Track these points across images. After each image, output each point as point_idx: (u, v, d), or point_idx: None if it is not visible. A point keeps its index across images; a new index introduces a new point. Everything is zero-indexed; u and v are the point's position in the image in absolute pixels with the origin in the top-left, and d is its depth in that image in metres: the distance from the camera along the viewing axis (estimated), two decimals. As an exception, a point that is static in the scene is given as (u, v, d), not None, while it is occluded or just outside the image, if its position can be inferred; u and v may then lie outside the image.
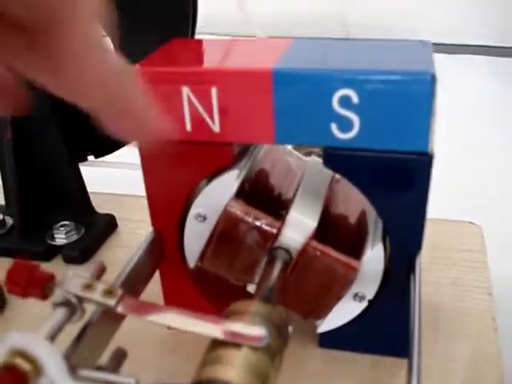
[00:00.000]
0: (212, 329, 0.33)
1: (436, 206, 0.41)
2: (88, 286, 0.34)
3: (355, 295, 0.41)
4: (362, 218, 0.41)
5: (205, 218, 0.41)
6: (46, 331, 0.32)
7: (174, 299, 0.46)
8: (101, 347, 0.36)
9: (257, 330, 0.32)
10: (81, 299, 0.34)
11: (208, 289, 0.45)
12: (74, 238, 0.56)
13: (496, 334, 0.45)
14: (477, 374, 0.42)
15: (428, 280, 0.50)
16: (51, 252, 0.56)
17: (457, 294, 0.49)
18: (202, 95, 0.37)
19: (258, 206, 0.40)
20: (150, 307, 0.34)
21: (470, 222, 0.56)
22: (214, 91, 0.37)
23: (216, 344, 0.32)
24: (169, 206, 0.42)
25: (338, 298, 0.41)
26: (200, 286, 0.45)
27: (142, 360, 0.39)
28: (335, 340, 0.44)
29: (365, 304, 0.42)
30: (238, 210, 0.40)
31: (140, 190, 0.43)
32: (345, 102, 0.35)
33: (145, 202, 0.43)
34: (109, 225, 0.59)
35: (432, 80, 0.34)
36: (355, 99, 0.35)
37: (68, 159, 0.57)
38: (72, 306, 0.33)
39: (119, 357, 0.38)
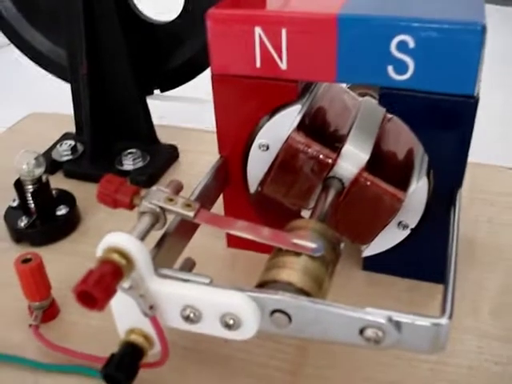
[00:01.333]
0: (279, 239, 0.38)
1: (478, 150, 0.45)
2: (170, 200, 0.39)
3: (399, 223, 0.46)
4: (410, 154, 0.45)
5: (268, 148, 0.46)
6: (137, 232, 0.38)
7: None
8: (177, 252, 0.41)
9: (314, 243, 0.38)
10: (163, 210, 0.39)
11: (266, 213, 0.50)
12: (140, 164, 0.61)
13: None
14: (504, 302, 0.46)
15: (466, 217, 0.54)
16: (120, 176, 0.61)
17: (492, 231, 0.53)
18: (273, 35, 0.41)
19: (317, 139, 0.45)
20: (223, 219, 0.39)
21: (509, 168, 0.60)
22: (283, 32, 0.41)
23: (278, 252, 0.38)
24: (235, 134, 0.46)
25: (384, 225, 0.46)
26: (259, 210, 0.50)
27: (205, 271, 0.44)
28: (378, 264, 0.49)
29: (407, 232, 0.46)
30: (299, 141, 0.44)
31: (201, 123, 0.48)
32: (402, 46, 0.39)
33: (205, 135, 0.47)
34: (171, 154, 0.64)
35: (482, 30, 0.37)
36: (411, 44, 0.39)
37: (136, 92, 0.62)
38: (156, 215, 0.39)
39: (189, 266, 0.44)
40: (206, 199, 0.46)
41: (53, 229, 0.54)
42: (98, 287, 0.33)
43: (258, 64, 0.43)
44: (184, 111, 0.69)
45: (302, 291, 0.35)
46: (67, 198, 0.57)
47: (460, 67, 0.39)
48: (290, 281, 0.36)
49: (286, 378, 0.42)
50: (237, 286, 0.36)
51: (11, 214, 0.55)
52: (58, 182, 0.62)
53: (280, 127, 0.45)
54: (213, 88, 0.45)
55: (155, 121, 0.64)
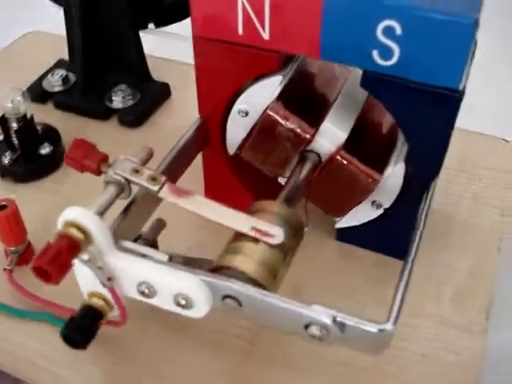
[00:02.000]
0: (239, 223, 0.38)
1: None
2: (136, 171, 0.39)
3: (373, 202, 0.45)
4: (391, 136, 0.44)
5: (247, 114, 0.45)
6: (97, 206, 0.38)
7: (213, 183, 0.52)
8: (141, 222, 0.41)
9: (276, 230, 0.38)
10: (128, 181, 0.39)
11: (244, 176, 0.50)
12: (130, 102, 0.60)
13: (498, 254, 0.48)
14: (470, 286, 0.47)
15: (450, 191, 0.53)
16: (108, 113, 0.61)
17: (473, 210, 0.52)
18: (256, 3, 0.39)
19: (297, 112, 0.43)
20: (188, 195, 0.39)
21: (504, 139, 0.58)
22: (266, 0, 0.39)
23: (239, 236, 0.38)
24: (215, 97, 0.45)
25: (358, 203, 0.45)
26: (237, 172, 0.50)
27: (176, 231, 0.44)
28: (350, 236, 0.49)
29: (381, 211, 0.46)
30: (277, 112, 0.43)
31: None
32: (389, 31, 0.37)
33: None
34: (163, 92, 0.63)
35: (474, 24, 0.35)
36: (398, 31, 0.36)
37: (130, 25, 0.60)
38: (121, 186, 0.39)
39: (158, 226, 0.44)
40: (182, 158, 0.46)
41: (36, 167, 0.54)
42: (53, 264, 0.34)
43: (241, 31, 0.41)
44: (178, 48, 0.67)
45: (254, 281, 0.36)
46: (52, 135, 0.56)
47: (447, 60, 0.36)
48: (243, 269, 0.36)
49: (245, 346, 0.44)
50: (190, 269, 0.36)
51: (-3, 148, 0.55)
52: (47, 113, 0.62)
53: (260, 95, 0.43)
54: (194, 49, 0.43)
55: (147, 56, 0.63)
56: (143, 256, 0.38)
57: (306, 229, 0.40)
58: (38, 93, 0.62)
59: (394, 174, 0.43)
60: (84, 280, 0.39)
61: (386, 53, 0.38)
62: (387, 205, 0.45)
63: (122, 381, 0.42)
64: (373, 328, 0.34)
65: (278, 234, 0.37)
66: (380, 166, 0.43)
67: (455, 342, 0.43)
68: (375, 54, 0.38)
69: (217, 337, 0.44)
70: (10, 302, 0.46)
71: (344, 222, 0.48)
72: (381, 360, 0.42)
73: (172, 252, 0.42)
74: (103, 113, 0.60)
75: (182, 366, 0.43)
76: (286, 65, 0.43)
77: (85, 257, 0.37)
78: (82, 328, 0.39)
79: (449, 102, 0.38)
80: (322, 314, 0.34)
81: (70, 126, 0.60)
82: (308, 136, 0.43)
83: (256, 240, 0.37)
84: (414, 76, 0.38)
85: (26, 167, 0.54)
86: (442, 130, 0.40)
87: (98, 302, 0.40)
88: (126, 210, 0.40)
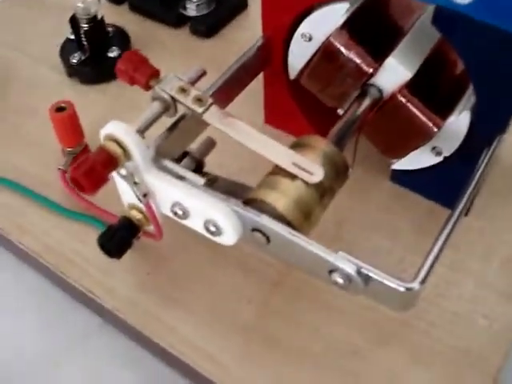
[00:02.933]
0: (280, 157, 0.36)
1: None
2: (183, 90, 0.38)
3: (433, 148, 0.42)
4: (462, 81, 0.40)
5: (310, 39, 0.42)
6: (140, 122, 0.37)
7: (273, 108, 0.50)
8: (188, 141, 0.41)
9: (316, 168, 0.36)
10: (174, 99, 0.38)
11: (305, 103, 0.48)
12: (204, 11, 0.58)
13: None
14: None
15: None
16: (180, 21, 0.59)
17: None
18: None
19: (362, 42, 0.40)
20: (233, 122, 0.38)
21: None
22: None
23: (276, 169, 0.36)
24: (279, 18, 0.43)
25: (416, 147, 0.43)
26: (298, 98, 0.48)
27: (230, 150, 0.43)
28: (405, 179, 0.47)
29: (440, 159, 0.43)
30: (339, 41, 0.40)
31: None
32: (469, -36, 0.33)
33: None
34: (240, 3, 0.60)
35: None
36: (480, -35, 0.32)
37: None
38: (166, 103, 0.38)
39: (207, 146, 0.44)
40: (240, 78, 0.44)
41: (103, 69, 0.54)
42: (87, 177, 0.34)
43: (309, -51, 0.38)
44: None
45: (284, 219, 0.35)
46: (122, 38, 0.56)
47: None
48: (275, 206, 0.35)
49: (277, 276, 0.44)
50: (224, 196, 0.36)
51: (68, 47, 0.56)
52: (121, 15, 0.61)
53: (325, 21, 0.41)
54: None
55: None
56: (180, 177, 0.37)
57: (350, 170, 0.38)
58: (116, -9, 0.61)
59: (458, 122, 0.40)
60: (124, 192, 0.40)
61: (464, -11, 0.34)
62: (448, 153, 0.42)
63: (153, 292, 0.43)
64: (398, 285, 0.32)
65: (317, 173, 0.36)
66: (444, 111, 0.40)
67: (493, 308, 0.41)
68: (451, -12, 0.34)
69: (250, 261, 0.44)
70: (60, 200, 0.47)
71: (400, 165, 0.45)
72: (410, 312, 0.41)
73: (218, 174, 0.42)
74: (176, 20, 0.59)
75: (211, 284, 0.43)
76: (356, -10, 0.40)
77: (122, 171, 0.37)
78: (116, 239, 0.40)
79: (528, 52, 0.34)
80: (346, 263, 0.33)
81: (142, 31, 0.59)
82: (370, 70, 0.40)
83: (294, 176, 0.36)
84: (492, 19, 0.34)
85: (92, 68, 0.54)
86: (514, 85, 0.36)
87: (136, 215, 0.40)
88: (171, 128, 0.39)
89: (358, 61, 0.40)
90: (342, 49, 0.40)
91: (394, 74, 0.40)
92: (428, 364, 0.39)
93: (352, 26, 0.40)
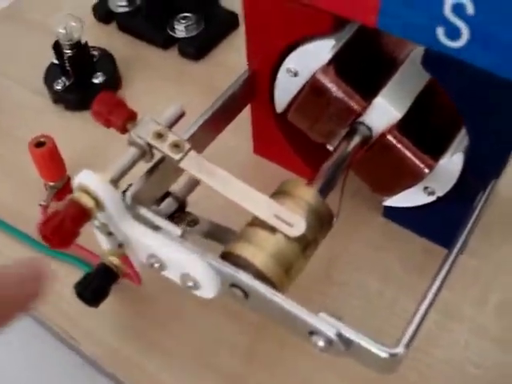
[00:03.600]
0: (261, 208, 0.35)
1: None
2: (159, 135, 0.36)
3: (425, 188, 0.40)
4: (455, 122, 0.38)
5: (296, 75, 0.40)
6: (114, 170, 0.36)
7: (262, 140, 0.49)
8: (167, 185, 0.39)
9: (297, 220, 0.34)
10: (150, 146, 0.36)
11: (293, 136, 0.46)
12: (193, 32, 0.56)
13: None
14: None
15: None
16: (169, 42, 0.57)
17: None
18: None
19: (349, 80, 0.38)
20: (212, 170, 0.36)
21: None
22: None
23: (256, 220, 0.35)
24: (265, 52, 0.41)
25: (407, 187, 0.41)
26: (286, 131, 0.46)
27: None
28: (398, 216, 0.45)
29: (433, 198, 0.41)
30: (326, 78, 0.38)
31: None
32: (458, 9, 0.30)
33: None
34: (230, 22, 0.58)
35: None
36: (470, 10, 0.30)
37: None
38: (142, 149, 0.36)
39: (190, 185, 0.42)
40: (229, 110, 0.43)
41: (87, 96, 0.52)
42: (56, 233, 0.33)
43: (292, -13, 0.36)
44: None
45: (262, 275, 0.33)
46: (108, 63, 0.54)
47: (525, 50, 0.30)
48: (253, 262, 0.33)
49: (258, 320, 0.42)
50: (202, 251, 0.34)
51: (52, 71, 0.54)
52: (110, 33, 0.59)
53: (310, 57, 0.39)
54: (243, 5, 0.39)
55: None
56: (156, 228, 0.36)
57: (335, 220, 0.36)
58: (102, 12, 0.59)
59: (451, 163, 0.38)
60: (102, 239, 0.39)
61: (453, 32, 0.31)
62: (441, 193, 0.40)
63: (134, 336, 0.42)
64: (381, 351, 0.30)
65: (299, 225, 0.34)
66: (436, 152, 0.38)
67: (486, 356, 0.39)
68: (440, 31, 0.32)
69: (235, 303, 0.42)
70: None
71: (392, 202, 0.43)
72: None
73: (200, 216, 0.41)
74: (164, 41, 0.57)
75: (195, 329, 0.42)
76: (341, 29, 0.38)
77: (96, 222, 0.36)
78: (93, 287, 0.38)
79: (521, 99, 0.32)
80: (327, 326, 0.31)
81: (130, 52, 0.57)
82: (358, 108, 0.38)
83: (273, 229, 0.34)
84: (482, 63, 0.32)
85: (77, 95, 0.53)
86: (507, 130, 0.34)
87: (114, 261, 0.39)
88: (149, 173, 0.37)
89: (345, 99, 0.38)
90: (329, 86, 0.38)
91: (382, 113, 0.38)
92: (417, 418, 0.38)
93: (339, 63, 0.38)
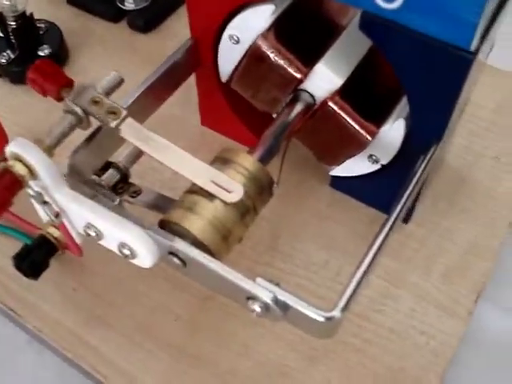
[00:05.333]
0: (198, 175, 0.34)
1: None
2: (96, 102, 0.36)
3: (370, 156, 0.40)
4: (397, 89, 0.38)
5: (238, 42, 0.40)
6: (49, 138, 0.35)
7: (208, 110, 0.48)
8: (107, 153, 0.38)
9: (235, 186, 0.34)
10: (86, 113, 0.36)
11: (239, 105, 0.45)
12: (143, 4, 0.55)
13: (508, 230, 0.43)
14: (466, 262, 0.42)
15: (472, 148, 0.47)
16: (118, 15, 0.56)
17: (493, 173, 0.46)
18: None
19: (291, 46, 0.38)
20: (149, 137, 0.35)
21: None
22: None
23: (196, 187, 0.34)
24: (206, 19, 0.40)
25: (351, 155, 0.41)
26: (232, 100, 0.45)
27: None
28: (344, 185, 0.45)
29: (378, 166, 0.41)
30: (267, 45, 0.38)
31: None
32: (391, -31, 0.30)
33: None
34: (179, -3, 0.57)
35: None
36: (403, -31, 0.30)
37: None
38: (78, 117, 0.36)
39: (135, 154, 0.41)
40: (172, 79, 0.42)
41: (33, 69, 0.51)
42: (-13, 201, 0.32)
43: None
44: None
45: (200, 243, 0.33)
46: (54, 35, 0.53)
47: (460, 11, 0.30)
48: (190, 229, 0.33)
49: (203, 290, 0.41)
50: (139, 219, 0.33)
51: (-4, 44, 0.53)
52: (58, 7, 0.58)
53: (251, 23, 0.38)
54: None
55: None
56: (94, 197, 0.35)
57: (275, 186, 0.36)
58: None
59: (393, 130, 0.38)
60: (39, 209, 0.38)
61: (388, -7, 0.31)
62: (385, 161, 0.40)
63: (77, 309, 0.41)
64: (317, 315, 0.30)
65: (236, 191, 0.34)
66: (378, 119, 0.38)
67: (432, 323, 0.39)
68: (376, -8, 0.32)
69: (180, 274, 0.42)
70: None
71: (338, 171, 0.43)
72: (345, 330, 0.39)
73: (144, 186, 0.40)
74: (113, 14, 0.56)
75: (138, 300, 0.41)
76: (282, -9, 0.37)
77: (30, 191, 0.35)
78: (31, 259, 0.37)
79: (457, 62, 0.32)
80: (263, 291, 0.31)
81: (79, 25, 0.56)
82: (298, 75, 0.38)
83: (212, 196, 0.34)
84: (418, 26, 0.31)
85: (23, 68, 0.51)
86: (448, 93, 0.33)
87: (54, 233, 0.38)
88: (86, 141, 0.37)
89: (285, 65, 0.38)
90: (269, 53, 0.38)
91: (323, 80, 0.38)
92: (360, 385, 0.38)
93: (280, 29, 0.38)
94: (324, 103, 0.38)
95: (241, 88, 0.42)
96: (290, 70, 0.38)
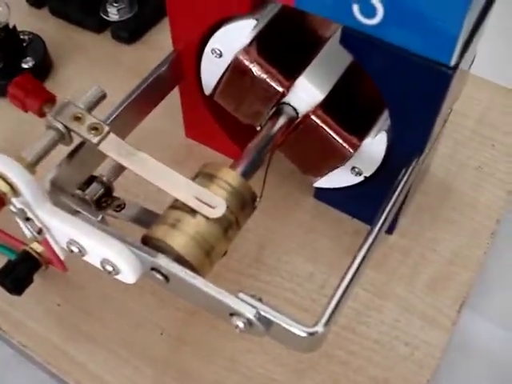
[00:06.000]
0: (181, 190, 0.34)
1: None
2: (77, 118, 0.35)
3: (353, 168, 0.40)
4: (379, 102, 0.38)
5: (221, 55, 0.40)
6: (31, 154, 0.35)
7: (192, 123, 0.48)
8: (89, 169, 0.38)
9: (218, 201, 0.34)
10: (68, 129, 0.35)
11: (223, 118, 0.45)
12: (126, 15, 0.55)
13: (490, 239, 0.43)
14: (450, 272, 0.42)
15: (456, 157, 0.47)
16: (102, 25, 0.56)
17: (476, 182, 0.46)
18: None
19: (273, 61, 0.38)
20: (132, 153, 0.35)
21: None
22: None
23: (177, 203, 0.34)
24: (188, 33, 0.40)
25: (333, 167, 0.41)
26: (216, 113, 0.45)
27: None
28: (328, 197, 0.45)
29: (361, 179, 0.41)
30: (248, 59, 0.38)
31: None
32: (370, -15, 0.30)
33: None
34: (163, 5, 0.56)
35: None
36: (382, -14, 0.30)
37: None
38: (60, 133, 0.35)
39: (118, 168, 0.41)
40: (155, 92, 0.42)
41: (16, 81, 0.51)
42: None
43: (211, -37, 0.35)
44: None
45: (182, 258, 0.33)
46: (38, 47, 0.53)
47: (440, 27, 0.30)
48: (172, 245, 0.33)
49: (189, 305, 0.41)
50: (121, 235, 0.33)
51: (-21, 57, 0.52)
52: (42, 18, 0.58)
53: (233, 38, 0.38)
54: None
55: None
56: (76, 212, 0.35)
57: (258, 200, 0.36)
58: (34, -6, 0.58)
59: (376, 143, 0.38)
60: (24, 226, 0.38)
61: (368, 9, 0.31)
62: (368, 174, 0.40)
63: (62, 325, 0.41)
64: (300, 330, 0.30)
65: (219, 206, 0.34)
66: (360, 133, 0.38)
67: (416, 334, 0.39)
68: (356, 9, 0.32)
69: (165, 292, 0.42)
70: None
71: (322, 183, 0.43)
72: (330, 342, 0.39)
73: (129, 200, 0.40)
74: (97, 24, 0.56)
75: (123, 314, 0.41)
76: (262, 8, 0.37)
77: (13, 208, 0.35)
78: (15, 275, 0.37)
79: (438, 78, 0.32)
80: (246, 307, 0.31)
81: (62, 36, 0.56)
82: (281, 89, 0.38)
83: (194, 212, 0.34)
84: (398, 41, 0.32)
85: (5, 81, 0.51)
86: (428, 107, 0.34)
87: (37, 248, 0.38)
88: (69, 157, 0.36)
89: (267, 79, 0.38)
90: (251, 67, 0.38)
91: (305, 94, 0.38)
92: (345, 397, 0.38)
93: (261, 43, 0.38)
94: (306, 116, 0.38)
95: (224, 101, 0.42)
96: (273, 84, 0.38)
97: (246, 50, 0.38)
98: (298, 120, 0.40)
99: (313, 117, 0.38)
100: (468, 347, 0.41)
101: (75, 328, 0.41)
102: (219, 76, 0.41)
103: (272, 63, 0.38)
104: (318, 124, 0.38)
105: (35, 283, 0.38)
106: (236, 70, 0.39)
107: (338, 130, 0.38)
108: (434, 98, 0.33)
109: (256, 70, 0.38)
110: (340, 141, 0.38)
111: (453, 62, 0.31)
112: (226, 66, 0.40)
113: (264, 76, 0.38)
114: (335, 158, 0.40)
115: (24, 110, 0.37)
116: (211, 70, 0.41)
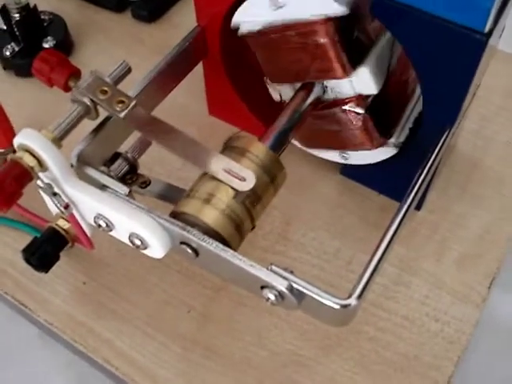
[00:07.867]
0: (210, 164, 0.34)
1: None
2: (104, 91, 0.35)
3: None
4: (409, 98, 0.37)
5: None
6: (57, 128, 0.34)
7: (215, 100, 0.48)
8: (115, 144, 0.38)
9: (248, 174, 0.33)
10: (94, 102, 0.35)
11: (245, 91, 0.45)
12: (146, -6, 0.55)
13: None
14: (479, 248, 0.42)
15: (483, 132, 0.47)
16: (122, 5, 0.56)
17: (503, 158, 0.45)
18: None
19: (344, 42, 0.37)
20: (159, 127, 0.35)
21: None
22: None
23: (207, 177, 0.34)
24: (214, 5, 0.40)
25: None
26: (238, 87, 0.45)
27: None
28: (355, 172, 0.44)
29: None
30: (325, 31, 0.36)
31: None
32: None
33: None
34: (185, -16, 0.57)
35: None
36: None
37: None
38: (86, 106, 0.35)
39: (143, 145, 0.41)
40: (179, 68, 0.41)
41: (37, 61, 0.51)
42: (-4, 194, 0.32)
43: None
44: None
45: (213, 231, 0.32)
46: (58, 26, 0.52)
47: (472, -8, 0.29)
48: (202, 218, 0.32)
49: (216, 282, 0.41)
50: (150, 209, 0.33)
51: (1, 37, 0.52)
52: (60, -1, 0.57)
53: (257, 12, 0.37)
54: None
55: None
56: (103, 187, 0.35)
57: (284, 171, 0.36)
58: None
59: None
60: (49, 201, 0.37)
61: (400, -25, 0.31)
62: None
63: (88, 303, 0.41)
64: (333, 303, 0.30)
65: (249, 179, 0.33)
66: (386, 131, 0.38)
67: (446, 310, 0.39)
68: (387, -26, 0.31)
69: (193, 266, 0.42)
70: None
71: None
72: (358, 318, 0.38)
73: (153, 177, 0.40)
74: (116, 4, 0.55)
75: (150, 292, 0.41)
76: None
77: (40, 183, 0.34)
78: (41, 253, 0.37)
79: (470, 45, 0.31)
80: (278, 279, 0.30)
81: (82, 17, 0.56)
82: (341, 73, 0.37)
83: (224, 185, 0.33)
84: (429, 7, 0.31)
85: (27, 61, 0.51)
86: (460, 77, 0.33)
87: (64, 225, 0.38)
88: (95, 132, 0.36)
89: (334, 59, 0.37)
90: (325, 40, 0.36)
91: (362, 84, 0.37)
92: (373, 373, 0.37)
93: (338, 24, 0.36)
94: (343, 104, 0.38)
95: (262, 47, 0.39)
96: (336, 66, 0.37)
97: (324, 22, 0.36)
98: (330, 102, 0.39)
99: (345, 108, 0.38)
100: (497, 324, 0.41)
101: (101, 306, 0.41)
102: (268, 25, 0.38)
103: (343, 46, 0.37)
104: (356, 116, 0.38)
105: (60, 262, 0.38)
106: (303, 34, 0.37)
107: (372, 126, 0.38)
108: (466, 67, 0.32)
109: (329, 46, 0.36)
110: (368, 140, 0.38)
111: (487, 29, 0.30)
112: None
113: (333, 54, 0.37)
114: (359, 147, 0.39)
115: (49, 85, 0.36)
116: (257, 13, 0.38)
